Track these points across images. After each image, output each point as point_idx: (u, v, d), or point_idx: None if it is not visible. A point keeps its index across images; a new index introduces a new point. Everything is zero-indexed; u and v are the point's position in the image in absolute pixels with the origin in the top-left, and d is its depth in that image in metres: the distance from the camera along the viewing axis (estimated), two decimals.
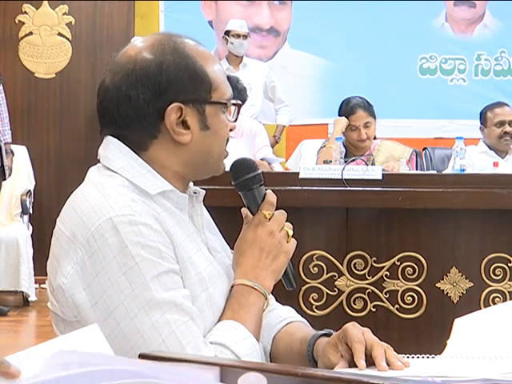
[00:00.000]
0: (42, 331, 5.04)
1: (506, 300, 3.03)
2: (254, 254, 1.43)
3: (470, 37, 6.61)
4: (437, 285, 3.06)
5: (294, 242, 1.47)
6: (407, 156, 4.14)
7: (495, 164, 3.77)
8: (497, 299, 3.05)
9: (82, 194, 1.37)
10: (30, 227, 5.94)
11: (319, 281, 3.06)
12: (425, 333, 3.02)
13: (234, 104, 1.47)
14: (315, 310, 3.05)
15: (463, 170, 3.61)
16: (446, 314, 2.98)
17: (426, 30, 6.50)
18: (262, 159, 4.27)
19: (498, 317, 1.39)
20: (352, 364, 1.27)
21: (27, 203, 5.91)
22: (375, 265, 3.05)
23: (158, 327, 1.26)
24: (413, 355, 1.27)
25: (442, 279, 3.06)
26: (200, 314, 1.33)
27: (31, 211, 6.02)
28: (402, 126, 6.37)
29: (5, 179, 5.31)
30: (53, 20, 6.51)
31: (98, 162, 1.43)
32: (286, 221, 1.47)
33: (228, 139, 1.48)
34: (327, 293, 3.06)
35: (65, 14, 6.52)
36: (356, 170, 3.08)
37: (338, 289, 3.06)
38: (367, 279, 3.06)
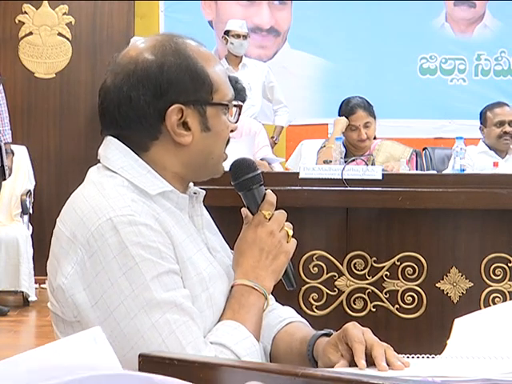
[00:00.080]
0: (42, 331, 5.04)
1: (506, 300, 3.03)
2: (254, 254, 1.43)
3: (470, 37, 6.61)
4: (437, 285, 3.06)
5: (294, 241, 1.47)
6: (407, 156, 4.14)
7: (495, 164, 3.77)
8: (497, 299, 3.05)
9: (82, 194, 1.37)
10: (30, 227, 5.94)
11: (319, 281, 3.06)
12: (425, 333, 3.02)
13: (235, 105, 1.47)
14: (315, 309, 3.06)
15: (463, 170, 3.61)
16: (446, 314, 2.98)
17: (425, 30, 6.51)
18: (261, 159, 4.27)
19: (498, 317, 1.39)
20: (352, 364, 1.27)
21: (27, 203, 5.91)
22: (375, 265, 3.05)
23: (158, 327, 1.26)
24: (413, 355, 1.27)
25: (442, 279, 3.06)
26: (200, 314, 1.33)
27: (31, 211, 6.02)
28: (401, 125, 6.37)
29: (5, 179, 5.32)
30: (53, 20, 6.52)
31: (98, 162, 1.43)
32: (286, 221, 1.47)
33: (229, 140, 1.48)
34: (327, 293, 3.06)
35: (65, 14, 6.52)
36: (356, 170, 3.08)
37: (338, 289, 3.06)
38: (367, 279, 3.06)
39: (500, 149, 4.48)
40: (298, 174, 3.08)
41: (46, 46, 6.52)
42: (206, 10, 6.57)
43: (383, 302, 3.06)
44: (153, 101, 1.37)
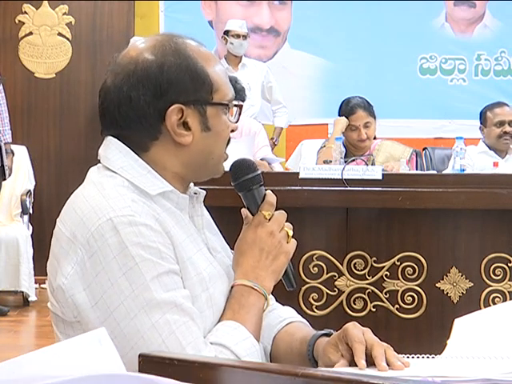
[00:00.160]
0: (42, 331, 5.04)
1: (506, 300, 3.03)
2: (254, 254, 1.43)
3: (470, 37, 6.61)
4: (437, 285, 3.06)
5: (294, 242, 1.47)
6: (407, 156, 4.14)
7: (495, 164, 3.77)
8: (497, 299, 3.05)
9: (82, 195, 1.37)
10: (30, 227, 5.94)
11: (319, 281, 3.06)
12: (425, 333, 3.02)
13: (235, 105, 1.47)
14: (315, 309, 3.06)
15: (463, 170, 3.61)
16: (446, 314, 2.99)
17: (426, 30, 6.51)
18: (261, 159, 4.27)
19: (498, 317, 1.39)
20: (352, 364, 1.27)
21: (27, 203, 5.91)
22: (375, 265, 3.05)
23: (158, 327, 1.26)
24: (413, 355, 1.27)
25: (442, 279, 3.06)
26: (200, 314, 1.33)
27: (31, 211, 6.02)
28: (401, 125, 6.37)
29: (5, 179, 5.32)
30: (53, 20, 6.52)
31: (98, 162, 1.43)
32: (286, 221, 1.47)
33: (229, 140, 1.48)
34: (327, 293, 3.06)
35: (65, 14, 6.52)
36: (356, 170, 3.08)
37: (338, 289, 3.06)
38: (367, 279, 3.06)
39: (500, 149, 4.48)
40: (298, 173, 3.08)
41: (46, 46, 6.52)
42: (206, 10, 6.57)
43: (383, 301, 3.06)
44: (153, 101, 1.37)
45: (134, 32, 6.43)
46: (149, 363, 1.02)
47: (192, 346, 1.27)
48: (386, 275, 3.05)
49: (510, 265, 3.06)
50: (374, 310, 3.06)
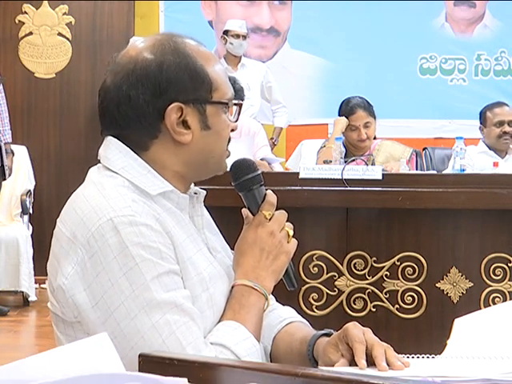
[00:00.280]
0: (42, 331, 5.04)
1: (506, 300, 3.03)
2: (254, 254, 1.43)
3: (470, 37, 6.61)
4: (437, 285, 3.06)
5: (294, 242, 1.47)
6: (407, 156, 4.14)
7: (495, 164, 3.77)
8: (497, 299, 3.05)
9: (82, 195, 1.37)
10: (30, 227, 5.94)
11: (319, 281, 3.06)
12: (425, 333, 3.02)
13: (235, 104, 1.47)
14: (315, 309, 3.06)
15: (463, 170, 3.61)
16: (446, 314, 2.99)
17: (426, 30, 6.51)
18: (261, 159, 4.27)
19: (498, 317, 1.39)
20: (352, 363, 1.27)
21: (27, 203, 5.91)
22: (375, 265, 3.05)
23: (159, 328, 1.26)
24: (413, 355, 1.27)
25: (442, 279, 3.06)
26: (200, 314, 1.33)
27: (31, 211, 6.02)
28: (402, 125, 6.37)
29: (5, 179, 5.32)
30: (53, 20, 6.52)
31: (99, 162, 1.43)
32: (287, 221, 1.47)
33: (230, 139, 1.48)
34: (327, 293, 3.06)
35: (65, 14, 6.52)
36: (356, 170, 3.08)
37: (338, 289, 3.06)
38: (367, 279, 3.06)
39: (500, 149, 4.48)
40: (298, 173, 3.08)
41: (46, 46, 6.52)
42: (206, 10, 6.57)
43: (383, 302, 3.06)
44: (152, 100, 1.37)
45: (134, 32, 6.43)
46: (149, 363, 1.02)
47: (192, 346, 1.27)
48: (385, 275, 3.05)
49: (510, 265, 3.06)
50: (374, 310, 3.06)
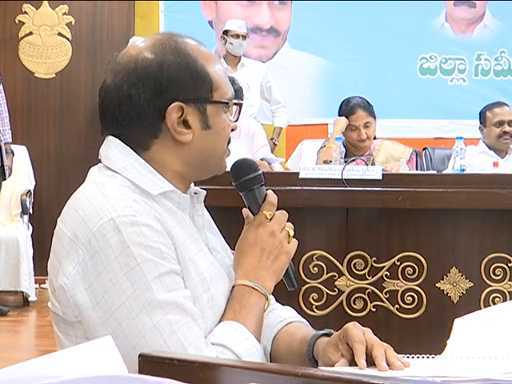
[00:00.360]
0: (42, 331, 5.04)
1: (506, 300, 3.03)
2: (254, 254, 1.43)
3: (470, 37, 6.61)
4: (437, 285, 3.06)
5: (295, 242, 1.47)
6: (407, 156, 4.14)
7: (495, 164, 3.77)
8: (497, 299, 3.05)
9: (83, 194, 1.37)
10: (30, 227, 5.94)
11: (319, 281, 3.06)
12: (425, 333, 3.02)
13: (235, 103, 1.47)
14: (315, 309, 3.06)
15: (463, 170, 3.61)
16: (446, 314, 2.99)
17: (426, 30, 6.50)
18: (261, 159, 4.27)
19: (498, 317, 1.39)
20: (352, 363, 1.27)
21: (27, 203, 5.91)
22: (375, 265, 3.05)
23: (160, 328, 1.26)
24: (413, 355, 1.27)
25: (442, 279, 3.06)
26: (201, 314, 1.33)
27: (31, 211, 6.02)
28: (401, 125, 6.37)
29: (5, 179, 5.32)
30: (53, 20, 6.52)
31: (99, 161, 1.43)
32: (287, 221, 1.47)
33: (230, 139, 1.48)
34: (327, 293, 3.06)
35: (65, 14, 6.52)
36: (356, 170, 3.09)
37: (338, 289, 3.06)
38: (367, 279, 3.06)
39: (500, 149, 4.48)
40: (297, 173, 3.08)
41: (46, 46, 6.52)
42: (205, 10, 6.57)
43: (383, 302, 3.06)
44: (153, 99, 1.37)
45: (134, 32, 6.43)
46: (149, 363, 1.02)
47: (193, 347, 1.27)
48: (385, 275, 3.05)
49: (510, 265, 3.06)
50: (374, 310, 3.06)
